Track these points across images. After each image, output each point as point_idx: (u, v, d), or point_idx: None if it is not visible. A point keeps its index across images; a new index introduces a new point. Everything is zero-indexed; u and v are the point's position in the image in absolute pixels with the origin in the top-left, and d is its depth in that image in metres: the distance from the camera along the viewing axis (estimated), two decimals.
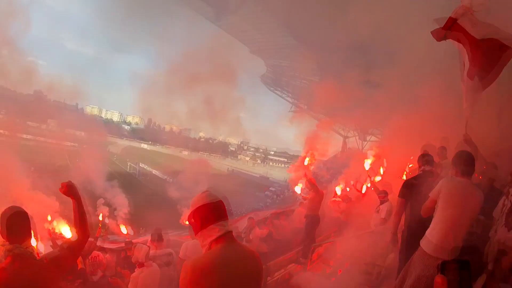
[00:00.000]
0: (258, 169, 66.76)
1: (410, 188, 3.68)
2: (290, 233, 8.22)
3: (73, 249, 2.13)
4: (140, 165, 42.79)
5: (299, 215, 8.42)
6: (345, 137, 33.57)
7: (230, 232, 1.64)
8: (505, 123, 5.82)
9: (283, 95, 37.33)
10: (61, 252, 2.10)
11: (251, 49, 32.42)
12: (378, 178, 7.43)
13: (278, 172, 57.06)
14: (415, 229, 3.28)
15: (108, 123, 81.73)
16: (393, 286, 3.15)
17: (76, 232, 2.18)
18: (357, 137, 32.69)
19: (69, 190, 2.11)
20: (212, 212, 1.62)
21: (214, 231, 1.59)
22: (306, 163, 7.54)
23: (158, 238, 5.02)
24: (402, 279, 2.98)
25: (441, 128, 6.27)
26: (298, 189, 7.54)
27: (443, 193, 2.74)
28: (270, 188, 34.61)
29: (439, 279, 0.72)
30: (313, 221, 6.39)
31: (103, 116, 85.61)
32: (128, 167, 42.34)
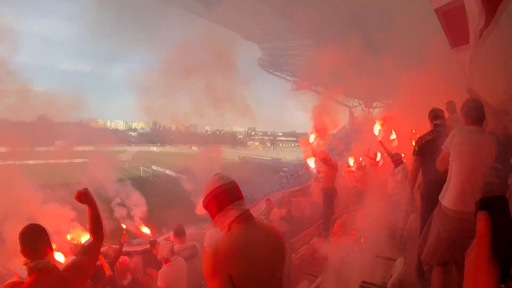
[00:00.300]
0: (269, 153, 67.01)
1: (424, 145, 3.61)
2: (309, 209, 8.22)
3: (89, 252, 2.14)
4: (153, 167, 43.18)
5: (315, 189, 8.41)
6: (351, 108, 33.32)
7: (247, 210, 1.61)
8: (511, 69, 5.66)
9: (282, 76, 37.09)
10: (78, 257, 2.12)
11: (244, 36, 32.15)
12: (393, 137, 7.33)
13: (289, 153, 57.31)
14: (433, 185, 3.24)
15: (115, 132, 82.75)
16: (416, 246, 3.11)
17: (91, 235, 2.19)
18: (363, 105, 32.41)
19: (85, 197, 2.14)
20: (226, 194, 1.59)
21: (232, 212, 1.56)
22: (312, 140, 7.32)
23: (180, 233, 5.05)
24: (425, 237, 2.95)
25: (447, 87, 6.14)
26: (311, 162, 7.41)
27: (455, 144, 2.66)
28: (284, 169, 34.65)
29: (481, 216, 0.69)
30: (330, 193, 6.36)
31: (108, 128, 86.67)
32: (141, 171, 42.81)
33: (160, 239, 6.91)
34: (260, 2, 24.80)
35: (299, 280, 4.27)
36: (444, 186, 2.77)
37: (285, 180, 30.05)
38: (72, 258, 4.46)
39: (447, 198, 2.71)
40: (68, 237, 6.01)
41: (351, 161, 9.55)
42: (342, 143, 20.54)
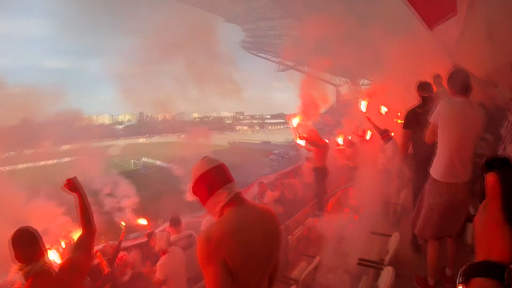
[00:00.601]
0: (258, 136, 67.01)
1: (413, 118, 3.58)
2: (302, 189, 8.27)
3: (82, 248, 2.09)
4: (143, 159, 42.80)
5: (307, 169, 8.42)
6: (338, 86, 33.30)
7: (239, 193, 1.56)
8: (496, 38, 5.64)
9: (267, 57, 36.76)
10: (72, 255, 2.08)
11: (226, 19, 31.59)
12: (384, 109, 7.30)
13: (278, 135, 57.39)
14: (423, 158, 3.26)
15: (101, 127, 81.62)
16: (410, 220, 3.14)
17: (82, 228, 2.15)
18: (349, 83, 32.43)
19: (74, 185, 2.13)
20: (216, 177, 1.53)
21: (223, 195, 1.51)
22: (295, 123, 6.85)
23: (176, 223, 5.05)
24: (418, 210, 2.96)
25: (434, 59, 6.12)
26: (302, 141, 7.08)
27: (442, 115, 2.64)
28: (274, 152, 34.76)
29: (491, 176, 0.67)
30: (322, 172, 6.33)
31: (94, 123, 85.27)
32: (132, 164, 42.45)
33: (157, 230, 6.90)
34: None
35: (297, 261, 4.31)
36: (434, 159, 2.77)
37: (276, 163, 30.19)
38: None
39: (437, 170, 2.71)
40: (63, 244, 5.90)
41: (340, 140, 9.58)
42: (332, 120, 20.60)
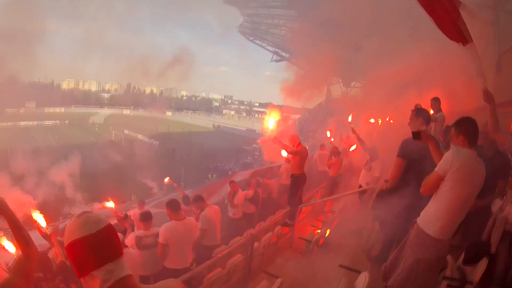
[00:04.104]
0: (244, 123, 66.81)
1: (413, 147, 3.15)
2: (277, 190, 8.00)
3: (20, 272, 1.76)
4: (125, 131, 42.22)
5: (286, 171, 8.09)
6: (329, 84, 33.00)
7: (126, 278, 1.07)
8: (504, 71, 5.47)
9: (263, 45, 36.23)
10: (9, 276, 1.77)
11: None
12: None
13: None
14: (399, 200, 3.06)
15: (87, 94, 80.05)
16: (381, 270, 2.83)
17: (21, 250, 1.81)
18: (341, 84, 32.23)
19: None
20: (90, 251, 1.03)
21: (95, 282, 1.02)
22: (272, 125, 6.17)
23: (146, 218, 4.68)
24: (395, 261, 2.71)
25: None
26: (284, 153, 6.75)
27: (455, 170, 2.35)
28: (257, 141, 34.49)
29: None
30: (299, 181, 5.86)
31: (80, 88, 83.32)
32: (113, 135, 41.94)
33: (129, 212, 6.54)
34: None
35: (258, 278, 4.07)
36: (429, 211, 2.52)
37: (258, 152, 29.98)
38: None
39: (433, 226, 2.46)
40: None
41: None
42: (317, 122, 20.48)
